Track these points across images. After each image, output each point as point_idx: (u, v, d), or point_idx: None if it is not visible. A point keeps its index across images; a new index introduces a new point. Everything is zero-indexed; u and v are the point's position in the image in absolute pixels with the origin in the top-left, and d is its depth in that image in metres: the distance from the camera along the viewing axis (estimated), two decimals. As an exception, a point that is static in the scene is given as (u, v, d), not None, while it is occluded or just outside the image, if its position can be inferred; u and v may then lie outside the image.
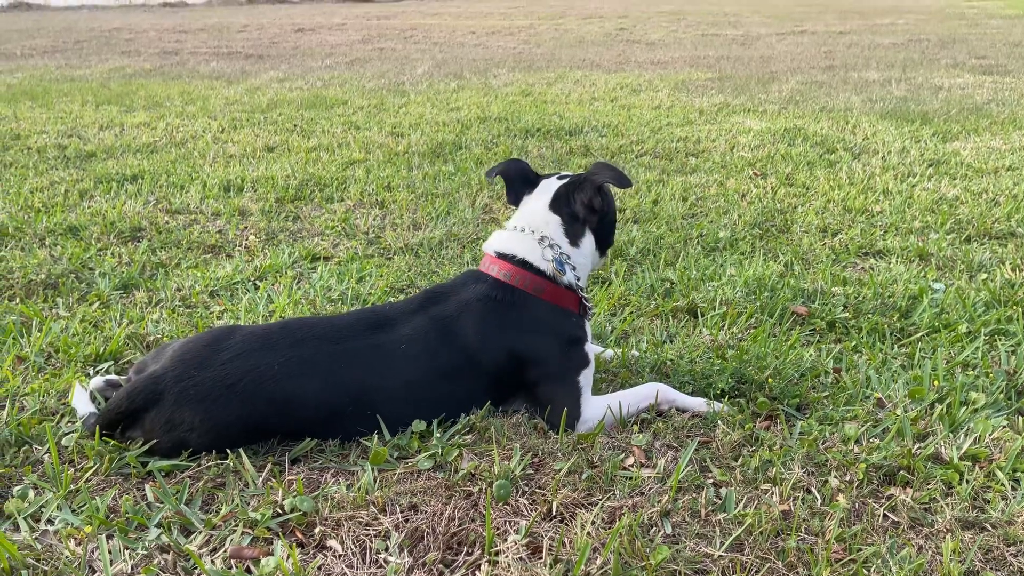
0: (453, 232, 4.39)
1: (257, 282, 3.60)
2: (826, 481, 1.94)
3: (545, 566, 1.60)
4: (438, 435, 2.11)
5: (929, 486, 1.90)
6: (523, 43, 15.61)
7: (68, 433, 2.10)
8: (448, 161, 6.20)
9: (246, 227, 4.50)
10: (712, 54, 13.16)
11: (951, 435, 2.14)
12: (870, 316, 3.06)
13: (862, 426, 2.18)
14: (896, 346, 2.84)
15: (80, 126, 7.47)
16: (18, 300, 3.31)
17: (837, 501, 1.83)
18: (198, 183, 5.38)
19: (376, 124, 7.72)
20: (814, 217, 4.46)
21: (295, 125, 7.65)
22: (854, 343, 2.86)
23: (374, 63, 12.66)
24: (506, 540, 1.72)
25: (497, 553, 1.66)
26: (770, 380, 2.45)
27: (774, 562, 1.64)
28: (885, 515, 1.80)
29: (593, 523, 1.74)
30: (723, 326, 3.02)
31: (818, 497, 1.87)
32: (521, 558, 1.64)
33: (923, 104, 8.16)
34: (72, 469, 1.93)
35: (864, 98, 8.56)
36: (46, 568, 1.56)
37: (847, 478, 1.93)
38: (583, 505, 1.86)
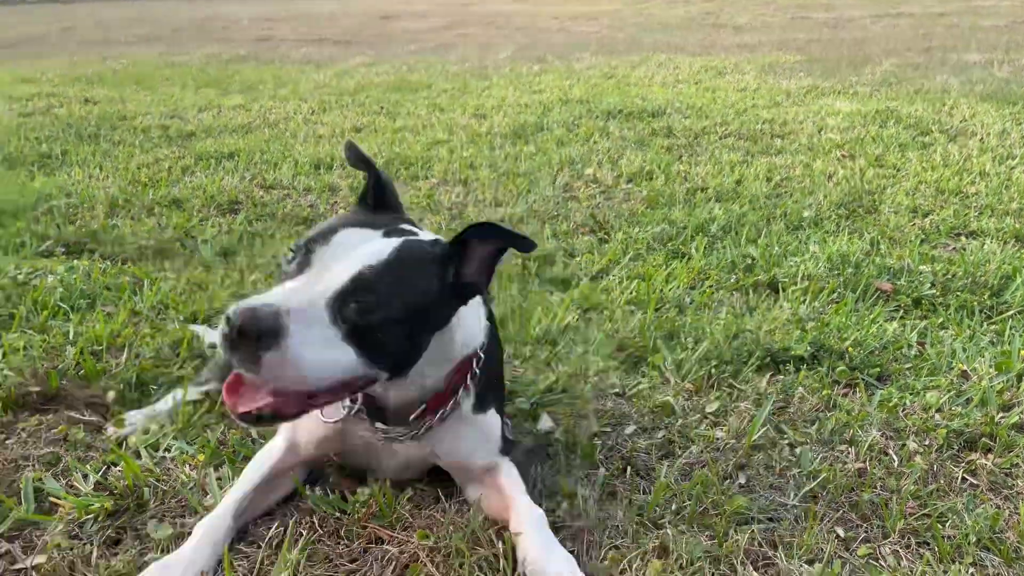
0: (534, 209, 4.47)
1: (347, 251, 3.76)
2: (904, 444, 1.94)
3: (620, 508, 1.67)
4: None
5: (1011, 452, 1.88)
6: (606, 28, 15.52)
7: (179, 378, 2.28)
8: (529, 142, 6.27)
9: (336, 201, 4.69)
10: (802, 37, 12.82)
11: (1038, 407, 2.10)
12: (959, 294, 2.99)
13: (944, 395, 2.16)
14: (985, 323, 2.78)
15: (181, 108, 7.84)
16: (130, 263, 3.56)
17: (914, 462, 1.83)
18: (290, 161, 5.61)
19: (459, 106, 7.85)
20: (904, 198, 4.36)
21: (381, 107, 7.85)
22: (941, 320, 2.81)
23: (457, 48, 12.82)
24: (585, 488, 1.79)
25: (574, 495, 1.74)
26: (850, 349, 2.45)
27: (848, 512, 1.67)
28: (964, 478, 1.80)
29: (668, 476, 1.80)
30: (804, 300, 3.01)
31: (895, 458, 1.88)
32: (597, 499, 1.71)
33: (1027, 86, 7.79)
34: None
35: (963, 80, 8.22)
36: (164, 488, 1.72)
37: (926, 442, 1.93)
38: (659, 460, 1.92)
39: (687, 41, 12.91)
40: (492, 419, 1.76)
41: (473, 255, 1.51)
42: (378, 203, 1.64)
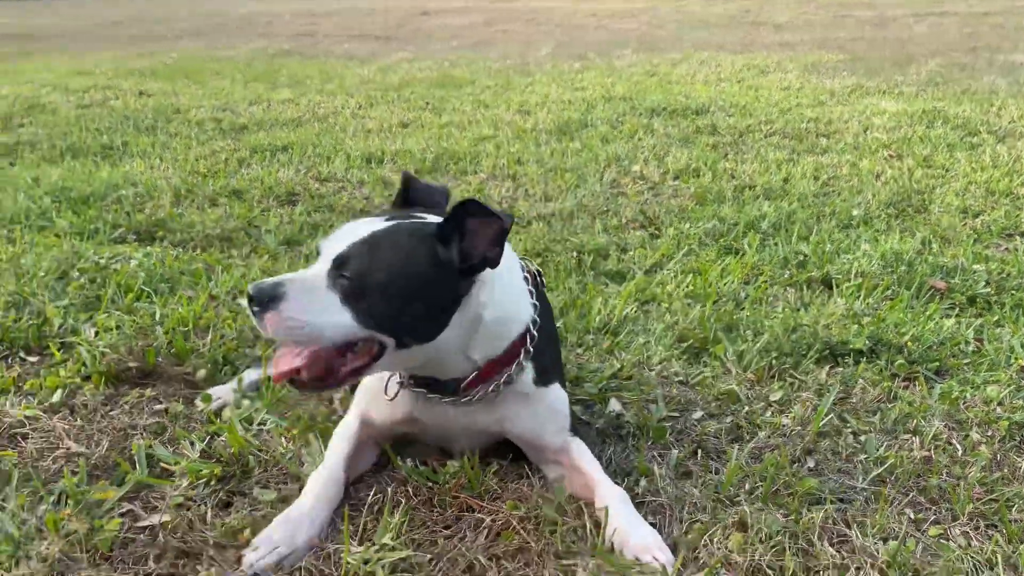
0: (583, 204, 4.55)
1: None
2: (967, 435, 2.01)
3: (695, 486, 1.76)
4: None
5: (1076, 444, 1.94)
6: (645, 25, 15.53)
7: (259, 358, 2.40)
8: (575, 138, 6.35)
9: (390, 194, 4.81)
10: (844, 36, 12.74)
11: (1100, 402, 2.15)
12: (1014, 292, 3.03)
13: (1004, 389, 2.22)
14: (1042, 321, 2.82)
15: (232, 101, 8.03)
16: (199, 250, 3.70)
17: (979, 451, 1.90)
18: (342, 154, 5.75)
19: (503, 103, 7.95)
20: (954, 198, 4.38)
21: (427, 103, 7.97)
22: (996, 317, 2.85)
23: (498, 44, 12.92)
24: (660, 468, 1.88)
25: (651, 473, 1.83)
26: (909, 344, 2.51)
27: (916, 496, 1.74)
28: (1030, 467, 1.86)
29: (739, 458, 1.88)
30: (859, 296, 3.06)
31: (959, 448, 1.95)
32: (673, 479, 1.80)
33: (1077, 87, 7.71)
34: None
35: (1011, 80, 8.15)
36: (265, 457, 1.84)
37: (989, 433, 2.00)
38: (729, 444, 2.00)
39: (727, 39, 12.88)
40: (558, 393, 1.86)
41: (474, 231, 1.62)
42: (408, 202, 1.88)
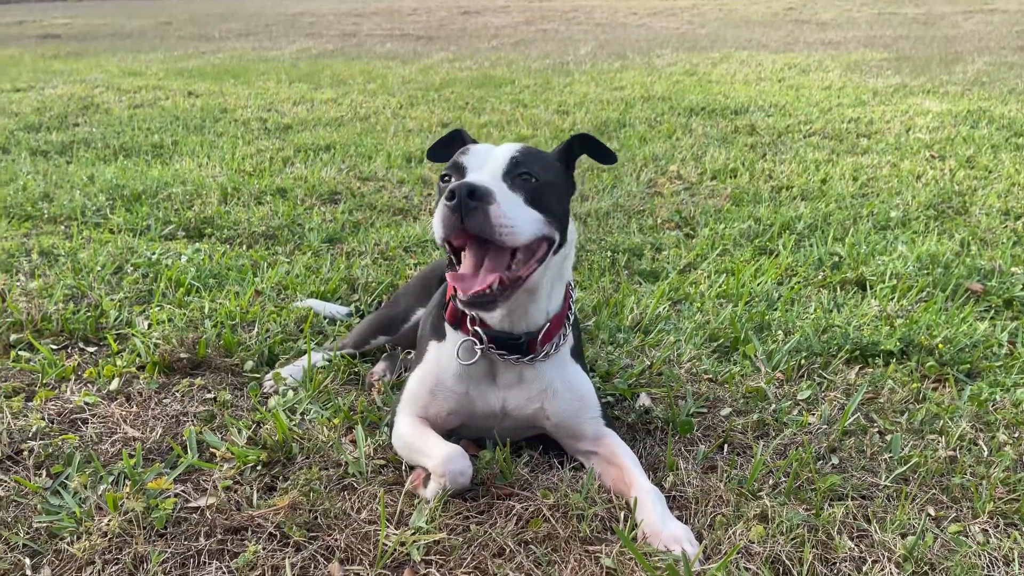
0: (619, 203, 4.60)
1: (444, 241, 3.97)
2: (994, 436, 2.03)
3: (720, 480, 1.81)
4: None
5: (1102, 448, 1.94)
6: (686, 24, 15.45)
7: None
8: (612, 138, 6.40)
9: (429, 193, 4.91)
10: (889, 34, 12.55)
11: None
12: (1052, 296, 3.01)
13: (1035, 392, 2.23)
14: (1079, 325, 2.80)
15: (276, 101, 8.22)
16: (245, 247, 3.84)
17: (1004, 452, 1.92)
18: (383, 154, 5.87)
19: (542, 102, 8.01)
20: (996, 200, 4.34)
21: (466, 103, 8.07)
22: (1032, 321, 2.84)
23: (538, 44, 12.98)
24: (687, 462, 1.94)
25: (677, 467, 1.88)
26: (940, 346, 2.52)
27: (938, 495, 1.77)
28: (1055, 469, 1.88)
29: (764, 453, 1.93)
30: (893, 298, 3.07)
31: (985, 448, 1.97)
32: (699, 472, 1.85)
33: None
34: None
35: (1060, 79, 7.99)
36: (308, 445, 1.93)
37: (1016, 435, 2.01)
38: (755, 440, 2.05)
39: (769, 38, 12.78)
40: (585, 377, 1.98)
41: (573, 159, 1.93)
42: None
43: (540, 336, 1.86)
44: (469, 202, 1.59)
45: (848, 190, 4.64)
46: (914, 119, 6.53)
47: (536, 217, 1.72)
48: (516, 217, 1.65)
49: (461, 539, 1.60)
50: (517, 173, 1.73)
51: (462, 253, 1.74)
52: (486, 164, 1.77)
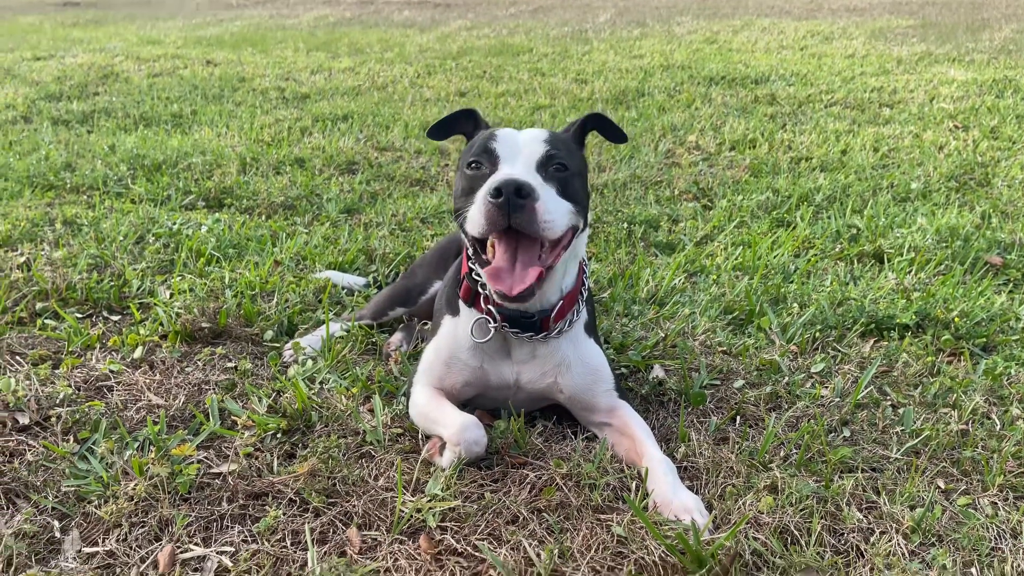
0: (637, 175, 4.58)
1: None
2: (1007, 410, 2.03)
3: (732, 452, 1.83)
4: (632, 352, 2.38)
5: (1116, 422, 1.95)
6: (707, -10, 15.20)
7: (321, 321, 2.54)
8: (631, 107, 6.35)
9: (446, 164, 4.91)
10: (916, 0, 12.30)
11: None
12: (1072, 269, 2.99)
13: (1051, 367, 2.23)
14: (1098, 299, 2.78)
15: (294, 70, 8.22)
16: (264, 217, 3.87)
17: (1016, 426, 1.93)
18: (400, 124, 5.87)
19: (560, 71, 7.96)
20: (1019, 171, 4.28)
21: (484, 71, 8.03)
22: (1051, 294, 2.83)
23: (556, 11, 12.84)
24: (699, 434, 1.96)
25: (689, 439, 1.91)
26: (956, 320, 2.52)
27: (949, 468, 1.79)
28: (1067, 443, 1.88)
29: (776, 425, 1.95)
30: (910, 271, 3.06)
31: (997, 423, 1.98)
32: (711, 444, 1.88)
33: None
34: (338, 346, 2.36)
35: (1091, 47, 7.81)
36: (327, 414, 1.97)
37: (1030, 409, 2.02)
38: (767, 412, 2.07)
39: (792, 4, 12.57)
40: (599, 351, 2.00)
41: (584, 138, 1.97)
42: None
43: (553, 313, 1.88)
44: (517, 200, 1.61)
45: (868, 161, 4.60)
46: (938, 88, 6.43)
47: (568, 208, 1.74)
48: (554, 211, 1.67)
49: (476, 506, 1.64)
50: (551, 164, 1.75)
51: (487, 243, 1.75)
52: (519, 154, 1.76)
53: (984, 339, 2.46)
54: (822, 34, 9.44)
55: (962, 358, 2.38)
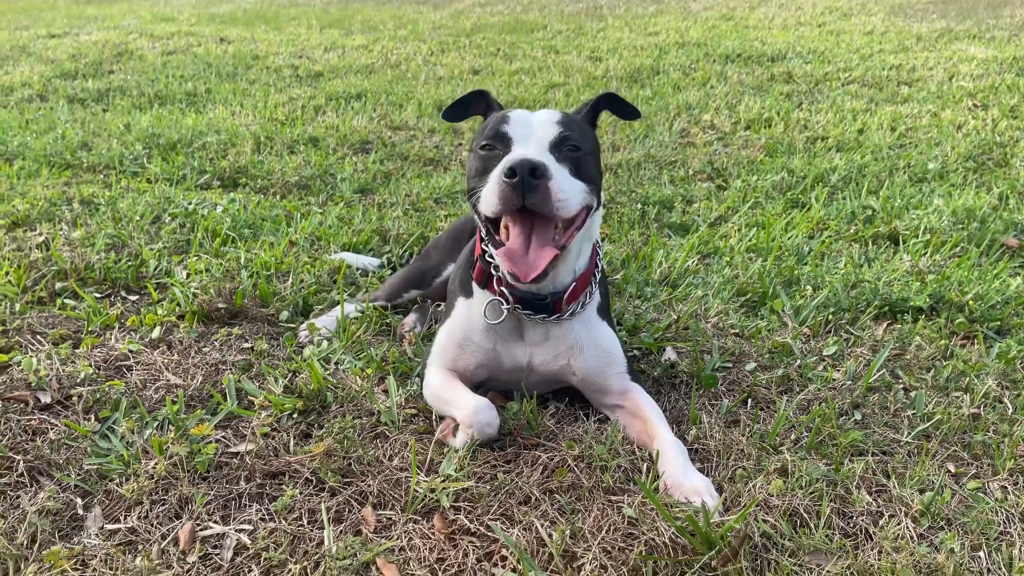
0: (651, 154, 4.57)
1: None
2: (1019, 394, 2.03)
3: (743, 435, 1.85)
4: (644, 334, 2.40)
5: None
6: (724, -36, 15.01)
7: (336, 302, 2.56)
8: (645, 86, 6.31)
9: (460, 144, 4.91)
10: (936, -26, 12.10)
11: None
12: (1090, 252, 2.97)
13: (1065, 351, 2.22)
14: (1115, 283, 2.76)
15: (308, 48, 8.20)
16: (279, 197, 3.89)
17: (1029, 410, 1.93)
18: (414, 102, 5.86)
19: (575, 48, 7.90)
20: (1038, 151, 4.23)
21: (498, 49, 7.98)
22: (1068, 277, 2.81)
23: (571, -13, 12.71)
24: (711, 416, 1.98)
25: (700, 421, 1.92)
26: (971, 303, 2.51)
27: (959, 452, 1.79)
28: (1080, 428, 1.88)
29: (787, 408, 1.96)
30: (925, 253, 3.05)
31: (1010, 407, 1.98)
32: (722, 426, 1.89)
33: None
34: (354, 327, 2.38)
35: (1115, 23, 7.67)
36: (342, 394, 2.00)
37: (1042, 394, 2.02)
38: (779, 395, 2.08)
39: (810, -21, 12.38)
40: (612, 333, 2.01)
41: (596, 117, 1.99)
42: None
43: (566, 295, 1.89)
44: (531, 180, 1.62)
45: (885, 141, 4.56)
46: (958, 66, 6.34)
47: (581, 187, 1.76)
48: (568, 190, 1.69)
49: (488, 487, 1.66)
50: (564, 145, 1.76)
51: (501, 223, 1.77)
52: (532, 135, 1.78)
53: (999, 322, 2.45)
54: (840, 10, 9.31)
55: (976, 341, 2.38)
